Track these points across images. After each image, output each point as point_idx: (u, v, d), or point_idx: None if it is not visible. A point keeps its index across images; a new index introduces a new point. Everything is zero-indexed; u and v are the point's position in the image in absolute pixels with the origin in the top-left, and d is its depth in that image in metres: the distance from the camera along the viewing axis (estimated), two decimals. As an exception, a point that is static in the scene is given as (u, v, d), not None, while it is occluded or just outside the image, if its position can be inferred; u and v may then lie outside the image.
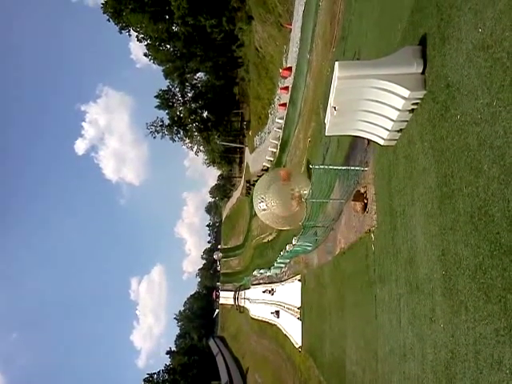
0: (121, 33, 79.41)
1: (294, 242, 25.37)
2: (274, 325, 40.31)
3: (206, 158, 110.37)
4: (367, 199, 11.99)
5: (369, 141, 10.84)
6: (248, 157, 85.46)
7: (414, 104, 7.29)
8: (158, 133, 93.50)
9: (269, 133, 60.93)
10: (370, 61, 7.35)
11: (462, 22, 5.58)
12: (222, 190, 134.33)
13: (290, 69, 42.03)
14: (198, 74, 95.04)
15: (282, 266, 37.19)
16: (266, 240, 54.77)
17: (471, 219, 5.35)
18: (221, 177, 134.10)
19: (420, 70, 6.97)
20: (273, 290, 41.93)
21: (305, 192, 23.01)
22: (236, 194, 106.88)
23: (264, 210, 26.49)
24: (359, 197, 12.35)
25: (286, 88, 44.13)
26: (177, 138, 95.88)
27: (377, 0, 11.99)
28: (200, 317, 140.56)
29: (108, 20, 75.16)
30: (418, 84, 6.96)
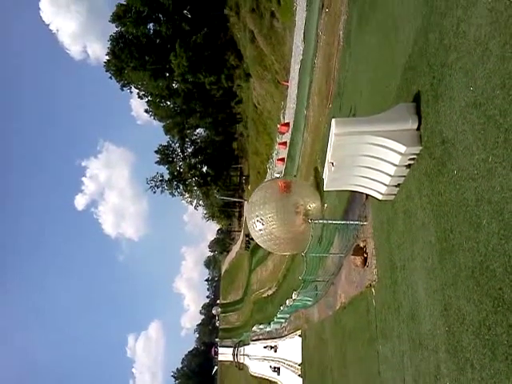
0: (122, 90, 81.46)
1: (294, 297, 24.91)
2: (275, 382, 39.05)
3: (205, 212, 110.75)
4: (367, 253, 11.90)
5: (367, 195, 10.88)
6: (247, 211, 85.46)
7: (410, 159, 7.36)
8: (157, 188, 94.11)
9: (267, 187, 61.11)
10: (366, 117, 7.49)
11: (454, 80, 5.72)
12: (221, 244, 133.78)
13: (287, 124, 42.81)
14: (197, 130, 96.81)
15: (282, 321, 36.42)
16: (265, 294, 53.92)
17: (472, 274, 5.27)
18: (220, 231, 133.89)
19: (415, 126, 7.07)
20: (276, 346, 40.83)
21: (312, 206, 20.16)
22: (235, 248, 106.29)
23: (260, 230, 21.07)
24: (359, 251, 12.26)
25: (284, 143, 44.78)
26: (176, 193, 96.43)
27: (371, 58, 12.36)
28: (198, 374, 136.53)
29: (110, 77, 77.27)
30: (413, 140, 7.05)
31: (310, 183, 26.47)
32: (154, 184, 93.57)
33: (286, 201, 20.43)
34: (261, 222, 20.73)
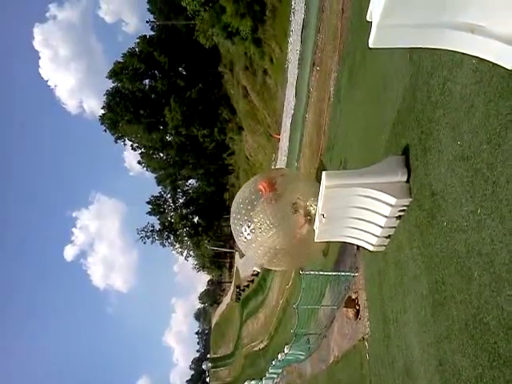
0: (116, 142, 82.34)
1: (286, 351, 24.38)
2: None
3: (195, 263, 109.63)
4: (359, 305, 11.80)
5: (358, 246, 10.91)
6: (238, 261, 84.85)
7: (400, 211, 7.45)
8: (148, 238, 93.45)
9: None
10: (356, 170, 7.65)
11: (441, 134, 5.90)
12: (212, 295, 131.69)
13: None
14: (189, 181, 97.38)
15: (275, 376, 35.42)
16: (257, 348, 52.64)
17: (466, 327, 5.24)
18: (210, 282, 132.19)
19: (405, 179, 7.21)
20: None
21: (314, 204, 14.98)
22: (226, 300, 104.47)
23: (249, 241, 16.21)
24: (351, 303, 12.17)
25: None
26: (167, 243, 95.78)
27: (361, 113, 12.71)
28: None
29: (105, 130, 78.25)
30: (403, 192, 7.17)
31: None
32: (144, 234, 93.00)
33: (278, 202, 16.03)
34: (250, 227, 16.07)
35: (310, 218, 14.97)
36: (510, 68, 3.63)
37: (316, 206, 14.22)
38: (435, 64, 6.14)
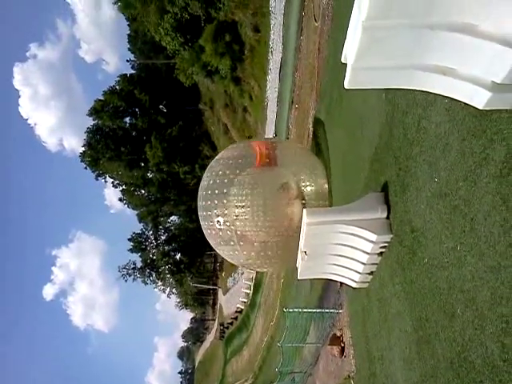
0: (97, 179, 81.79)
1: (271, 391, 23.85)
2: None
3: (178, 300, 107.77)
4: (344, 343, 11.66)
5: (341, 283, 10.85)
6: (221, 298, 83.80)
7: (382, 247, 7.47)
8: (129, 276, 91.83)
9: (242, 274, 60.57)
10: (337, 207, 7.70)
11: (419, 171, 5.97)
12: (195, 333, 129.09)
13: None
14: (171, 217, 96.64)
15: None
16: (241, 388, 51.47)
17: (451, 366, 5.18)
18: (193, 320, 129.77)
19: (385, 215, 7.25)
20: None
21: (310, 186, 13.10)
22: (209, 338, 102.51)
23: (223, 228, 12.73)
24: (336, 340, 12.02)
25: None
26: (149, 281, 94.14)
27: (339, 150, 12.85)
28: None
29: (85, 168, 77.79)
30: (384, 228, 7.20)
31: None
32: (126, 272, 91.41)
33: (268, 178, 12.80)
34: (224, 216, 12.38)
35: (303, 201, 12.74)
36: (481, 108, 3.71)
37: (311, 186, 13.30)
38: (410, 103, 6.27)
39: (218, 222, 13.09)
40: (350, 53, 3.66)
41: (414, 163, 6.16)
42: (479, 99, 3.61)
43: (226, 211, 12.92)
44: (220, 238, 13.48)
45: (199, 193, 14.32)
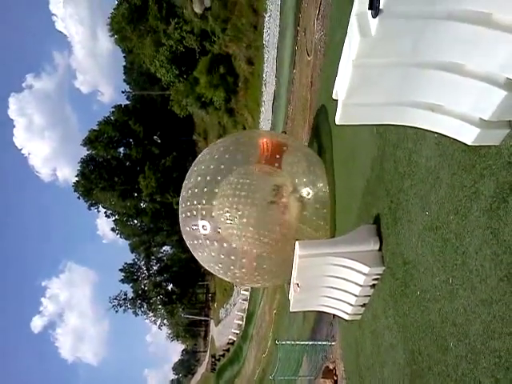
0: (90, 209, 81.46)
1: (263, 427, 23.32)
2: None
3: (169, 332, 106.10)
4: (337, 376, 11.48)
5: (334, 315, 10.78)
6: (213, 330, 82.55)
7: (374, 279, 7.46)
8: (120, 307, 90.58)
9: (234, 305, 59.87)
10: (329, 239, 7.72)
11: (410, 204, 6.02)
12: (186, 365, 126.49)
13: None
14: (163, 248, 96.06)
15: None
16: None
17: (445, 401, 5.12)
18: (184, 351, 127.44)
19: (377, 247, 7.28)
20: None
21: (307, 191, 11.61)
22: (200, 370, 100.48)
23: (208, 233, 11.29)
24: (328, 373, 11.84)
25: None
26: (140, 312, 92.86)
27: (331, 182, 12.89)
28: None
29: (78, 197, 77.53)
30: (376, 260, 7.21)
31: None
32: (116, 303, 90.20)
33: (260, 178, 11.30)
34: (210, 220, 10.98)
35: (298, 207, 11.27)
36: (469, 144, 3.79)
37: (310, 190, 11.56)
38: (400, 137, 6.37)
39: (204, 226, 11.32)
40: (340, 89, 3.75)
41: (405, 196, 6.22)
42: (468, 135, 3.69)
43: (214, 214, 11.13)
44: (207, 248, 11.74)
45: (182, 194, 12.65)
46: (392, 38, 3.12)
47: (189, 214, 11.57)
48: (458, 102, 3.53)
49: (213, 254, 11.52)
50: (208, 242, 11.39)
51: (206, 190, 11.24)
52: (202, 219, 11.19)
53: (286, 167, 11.76)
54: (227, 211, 10.92)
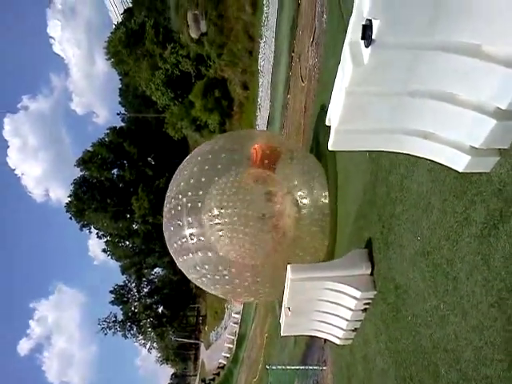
0: (81, 230, 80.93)
1: None
2: None
3: (159, 355, 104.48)
4: (328, 402, 11.36)
5: (325, 339, 10.71)
6: (204, 353, 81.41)
7: (366, 304, 7.45)
8: (110, 329, 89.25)
9: (225, 328, 59.23)
10: (321, 263, 7.74)
11: (402, 229, 6.06)
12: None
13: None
14: (155, 269, 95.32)
15: None
16: None
17: (437, 429, 5.08)
18: (174, 375, 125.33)
19: (369, 272, 7.29)
20: None
21: (302, 194, 10.79)
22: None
23: (195, 242, 10.52)
24: (320, 399, 11.72)
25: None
26: (129, 335, 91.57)
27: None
28: None
29: (70, 218, 77.07)
30: (368, 285, 7.22)
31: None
32: (106, 325, 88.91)
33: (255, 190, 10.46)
34: (198, 227, 10.29)
35: (296, 213, 10.46)
36: (460, 171, 3.85)
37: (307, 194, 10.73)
38: (393, 162, 6.45)
39: (191, 235, 10.42)
40: (333, 116, 3.82)
41: (397, 221, 6.26)
42: (459, 162, 3.76)
43: (203, 223, 10.29)
44: (194, 258, 10.88)
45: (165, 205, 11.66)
46: (384, 68, 3.20)
47: (174, 217, 10.95)
48: (450, 130, 3.60)
49: (206, 266, 10.84)
50: (197, 252, 10.74)
51: (192, 202, 10.58)
52: (189, 228, 10.51)
53: (280, 170, 11.06)
54: (217, 222, 10.22)
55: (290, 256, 10.34)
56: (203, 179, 10.51)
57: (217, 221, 10.10)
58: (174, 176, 12.03)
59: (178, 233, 10.73)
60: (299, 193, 10.89)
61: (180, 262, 11.44)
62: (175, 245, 10.98)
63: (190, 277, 11.89)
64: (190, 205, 10.37)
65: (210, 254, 10.55)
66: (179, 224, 10.59)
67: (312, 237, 10.79)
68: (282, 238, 10.60)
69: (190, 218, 10.38)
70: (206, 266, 10.76)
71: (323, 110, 12.64)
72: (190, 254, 10.74)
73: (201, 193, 10.28)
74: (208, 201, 10.20)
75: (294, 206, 10.70)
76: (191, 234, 10.42)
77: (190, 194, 10.43)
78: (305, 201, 10.94)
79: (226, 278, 10.87)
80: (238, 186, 10.36)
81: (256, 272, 10.82)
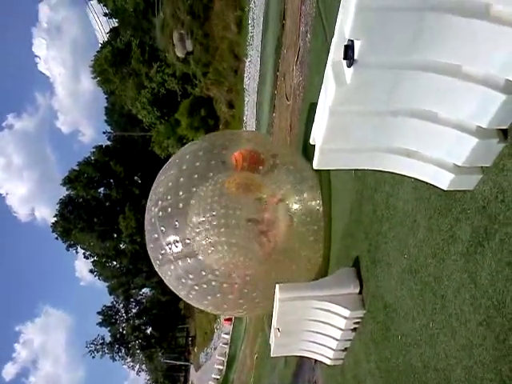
0: (68, 250, 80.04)
1: None
2: None
3: (148, 378, 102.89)
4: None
5: (316, 359, 10.60)
6: (193, 375, 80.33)
7: (355, 323, 7.39)
8: (97, 352, 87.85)
9: (215, 348, 58.55)
10: (310, 283, 7.68)
11: (389, 247, 6.04)
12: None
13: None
14: (143, 290, 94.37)
15: None
16: None
17: None
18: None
19: (357, 291, 7.24)
20: None
21: (297, 203, 10.03)
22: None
23: (180, 251, 9.85)
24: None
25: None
26: (118, 357, 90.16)
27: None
28: None
29: (56, 238, 76.25)
30: (356, 304, 7.17)
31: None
32: (93, 348, 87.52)
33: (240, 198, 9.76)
34: (182, 238, 9.66)
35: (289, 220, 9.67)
36: (445, 189, 3.85)
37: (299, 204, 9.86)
38: (378, 180, 6.45)
39: (176, 242, 9.73)
40: (318, 135, 3.82)
41: (383, 239, 6.24)
42: (443, 180, 3.77)
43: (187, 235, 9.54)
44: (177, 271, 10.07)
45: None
46: (366, 87, 3.21)
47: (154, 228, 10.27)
48: (432, 148, 3.61)
49: (191, 276, 10.10)
50: (177, 260, 10.02)
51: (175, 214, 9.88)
52: (169, 236, 9.84)
53: (267, 175, 10.18)
54: (199, 230, 9.43)
55: (283, 267, 9.95)
56: (181, 192, 9.88)
57: (199, 229, 9.37)
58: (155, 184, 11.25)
59: (158, 244, 10.17)
60: (292, 197, 10.08)
61: (167, 280, 10.95)
62: (160, 256, 10.35)
63: (180, 294, 11.23)
64: (169, 211, 9.83)
65: (189, 261, 9.82)
66: (157, 236, 10.12)
67: (305, 246, 10.21)
68: (274, 246, 9.89)
69: (164, 227, 9.92)
70: (191, 276, 10.04)
71: (308, 128, 12.65)
72: (172, 266, 10.06)
73: (181, 205, 9.71)
74: (189, 209, 9.57)
75: (286, 212, 9.90)
76: (171, 243, 9.84)
77: (170, 201, 9.87)
78: (296, 206, 10.13)
79: (213, 284, 10.02)
80: (220, 193, 9.52)
81: (246, 280, 10.15)
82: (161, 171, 11.73)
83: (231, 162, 10.06)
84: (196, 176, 9.95)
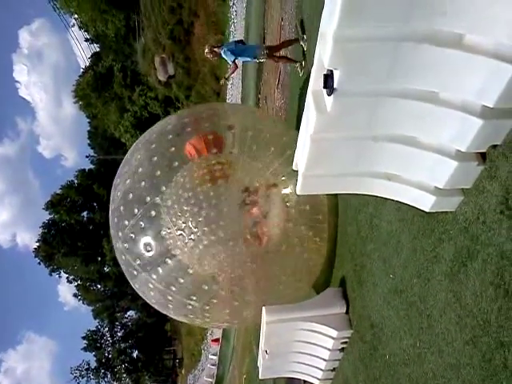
0: (51, 275, 78.90)
1: None
2: None
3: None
4: None
5: (305, 380, 10.56)
6: (181, 398, 79.14)
7: (343, 343, 7.39)
8: (82, 377, 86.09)
9: (202, 370, 57.80)
10: (296, 304, 7.65)
11: (374, 268, 6.08)
12: None
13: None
14: (128, 312, 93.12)
15: None
16: None
17: None
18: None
19: (344, 310, 7.26)
20: None
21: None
22: None
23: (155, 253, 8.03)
24: None
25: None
26: (103, 383, 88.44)
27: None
28: None
29: (39, 263, 75.16)
30: (343, 324, 7.18)
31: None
32: (78, 374, 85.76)
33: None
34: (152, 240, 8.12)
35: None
36: (427, 211, 3.92)
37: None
38: (361, 201, 6.52)
39: (148, 245, 8.18)
40: (300, 161, 3.87)
41: (368, 259, 6.29)
42: (424, 203, 3.83)
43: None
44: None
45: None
46: (347, 114, 3.28)
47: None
48: (414, 171, 3.68)
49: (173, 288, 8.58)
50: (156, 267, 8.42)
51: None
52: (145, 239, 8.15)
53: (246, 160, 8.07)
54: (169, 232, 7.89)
55: (277, 270, 8.42)
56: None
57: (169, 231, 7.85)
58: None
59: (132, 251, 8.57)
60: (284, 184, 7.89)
61: (148, 295, 9.76)
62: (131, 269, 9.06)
63: (165, 311, 10.35)
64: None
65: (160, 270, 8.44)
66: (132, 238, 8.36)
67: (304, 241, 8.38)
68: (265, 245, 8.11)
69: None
70: (173, 288, 8.53)
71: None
72: (143, 273, 8.72)
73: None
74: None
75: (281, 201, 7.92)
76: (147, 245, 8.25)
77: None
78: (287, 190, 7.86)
79: (189, 288, 8.36)
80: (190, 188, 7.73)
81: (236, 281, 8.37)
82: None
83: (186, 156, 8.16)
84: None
